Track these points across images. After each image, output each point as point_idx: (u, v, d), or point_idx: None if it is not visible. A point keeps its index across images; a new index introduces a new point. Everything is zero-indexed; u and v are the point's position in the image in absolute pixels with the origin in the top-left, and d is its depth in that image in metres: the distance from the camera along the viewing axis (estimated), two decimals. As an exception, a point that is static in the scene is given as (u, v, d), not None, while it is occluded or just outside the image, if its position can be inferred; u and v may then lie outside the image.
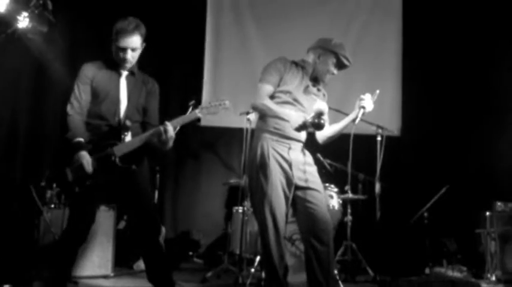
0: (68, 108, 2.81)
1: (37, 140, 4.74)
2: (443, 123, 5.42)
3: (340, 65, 2.93)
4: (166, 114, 5.27)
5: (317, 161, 4.61)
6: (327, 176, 4.54)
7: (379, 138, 4.29)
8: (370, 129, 4.37)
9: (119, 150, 2.74)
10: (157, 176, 4.30)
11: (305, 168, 2.82)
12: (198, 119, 2.95)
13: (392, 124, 5.22)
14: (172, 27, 5.49)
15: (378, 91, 2.76)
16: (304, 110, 2.81)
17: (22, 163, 4.43)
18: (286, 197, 2.78)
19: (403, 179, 5.15)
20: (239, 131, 4.59)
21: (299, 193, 2.80)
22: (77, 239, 2.78)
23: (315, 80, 2.95)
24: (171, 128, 2.73)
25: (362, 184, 4.75)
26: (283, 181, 2.76)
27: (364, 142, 4.62)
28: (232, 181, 4.80)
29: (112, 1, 5.10)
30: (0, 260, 3.51)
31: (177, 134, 4.42)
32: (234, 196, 4.73)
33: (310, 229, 2.76)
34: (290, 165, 2.77)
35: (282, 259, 2.77)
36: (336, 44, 2.91)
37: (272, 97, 2.83)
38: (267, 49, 5.53)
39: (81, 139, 2.73)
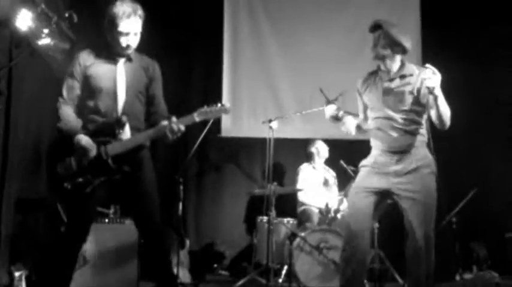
0: (60, 99, 2.66)
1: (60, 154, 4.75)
2: (469, 124, 5.29)
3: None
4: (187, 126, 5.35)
5: (340, 168, 4.60)
6: (349, 182, 4.48)
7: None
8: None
9: (112, 149, 2.58)
10: (181, 187, 4.27)
11: None
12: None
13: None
14: (191, 32, 5.49)
15: (427, 65, 2.66)
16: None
17: (46, 176, 4.45)
18: None
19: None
20: (260, 140, 4.56)
21: None
22: (74, 240, 2.64)
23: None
24: (180, 127, 2.57)
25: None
26: None
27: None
28: (256, 190, 4.77)
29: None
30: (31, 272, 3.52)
31: (197, 146, 4.47)
32: (257, 206, 4.68)
33: None
34: None
35: None
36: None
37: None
38: (284, 54, 5.51)
39: (76, 127, 2.58)
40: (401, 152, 2.78)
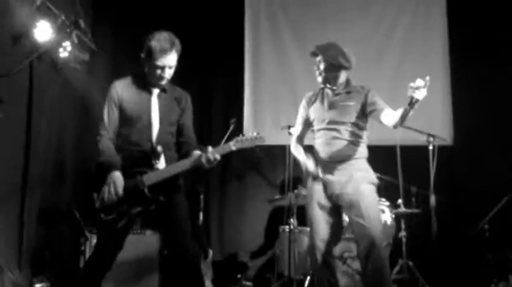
0: (100, 130, 2.73)
1: (82, 166, 4.78)
2: (499, 127, 5.07)
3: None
4: (210, 130, 5.33)
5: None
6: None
7: (430, 147, 4.08)
8: (421, 139, 4.16)
9: (148, 179, 2.64)
10: (202, 197, 4.23)
11: None
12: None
13: (444, 132, 4.95)
14: (213, 42, 5.47)
15: (428, 77, 2.57)
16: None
17: (70, 189, 4.48)
18: None
19: (459, 191, 4.87)
20: (281, 148, 4.48)
21: None
22: (101, 267, 2.69)
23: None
24: (216, 156, 2.62)
25: (415, 197, 4.51)
26: None
27: (415, 153, 4.43)
28: (277, 197, 4.67)
29: (153, 25, 5.15)
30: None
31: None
32: (280, 215, 4.59)
33: None
34: None
35: None
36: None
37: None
38: (306, 61, 5.39)
39: (114, 161, 2.64)
40: (342, 161, 2.96)
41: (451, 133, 5.20)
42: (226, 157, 5.17)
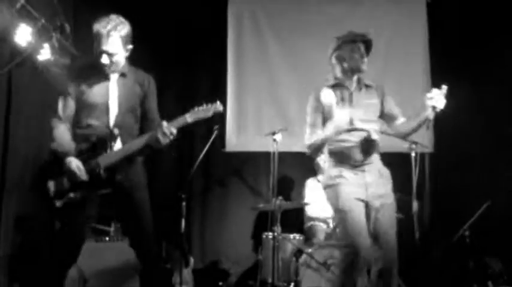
0: (55, 117, 2.67)
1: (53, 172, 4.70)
2: (481, 134, 5.15)
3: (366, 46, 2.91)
4: (192, 136, 5.29)
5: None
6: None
7: (413, 154, 4.11)
8: (403, 147, 4.19)
9: (103, 160, 2.58)
10: (184, 204, 4.18)
11: None
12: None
13: (425, 139, 5.00)
14: (195, 48, 5.46)
15: (445, 86, 2.60)
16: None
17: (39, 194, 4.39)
18: None
19: (441, 197, 4.92)
20: (266, 155, 4.47)
21: None
22: (65, 259, 2.62)
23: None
24: (172, 130, 2.55)
25: (398, 203, 4.54)
26: None
27: (397, 160, 4.46)
28: (260, 205, 4.65)
29: (134, 28, 5.12)
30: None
31: (202, 162, 4.39)
32: (263, 222, 4.57)
33: None
34: None
35: None
36: (343, 35, 2.97)
37: None
38: (289, 67, 5.44)
39: (68, 147, 2.58)
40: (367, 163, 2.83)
41: (432, 140, 5.26)
42: (209, 163, 5.26)
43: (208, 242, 5.30)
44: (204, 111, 2.64)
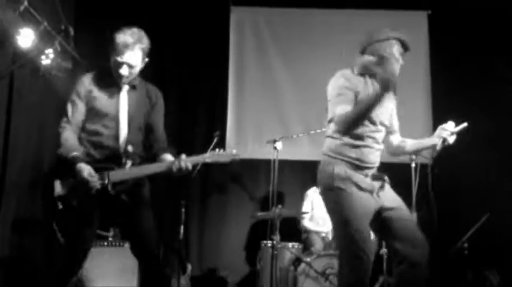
0: (62, 121, 2.63)
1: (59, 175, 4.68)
2: (480, 147, 5.16)
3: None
4: (192, 143, 5.29)
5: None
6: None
7: (413, 165, 4.11)
8: (404, 157, 4.19)
9: (114, 175, 2.53)
10: (183, 210, 4.17)
11: None
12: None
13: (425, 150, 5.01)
14: (197, 55, 5.48)
15: (465, 124, 2.55)
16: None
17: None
18: None
19: (440, 208, 4.90)
20: (266, 162, 4.46)
21: None
22: (70, 267, 2.58)
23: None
24: (188, 165, 2.53)
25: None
26: None
27: (397, 171, 4.45)
28: (259, 213, 4.64)
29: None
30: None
31: (202, 169, 4.37)
32: (262, 230, 4.56)
33: None
34: None
35: None
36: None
37: None
38: (290, 76, 5.46)
39: (77, 153, 2.52)
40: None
41: (431, 151, 5.25)
42: (209, 170, 5.25)
43: (207, 250, 5.27)
44: (223, 156, 2.64)
